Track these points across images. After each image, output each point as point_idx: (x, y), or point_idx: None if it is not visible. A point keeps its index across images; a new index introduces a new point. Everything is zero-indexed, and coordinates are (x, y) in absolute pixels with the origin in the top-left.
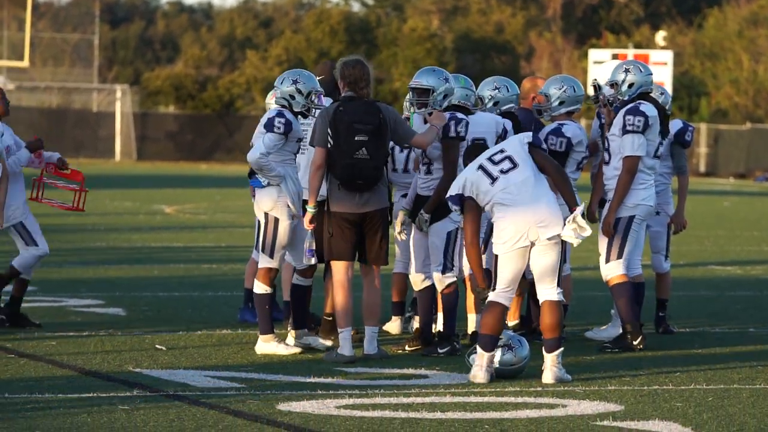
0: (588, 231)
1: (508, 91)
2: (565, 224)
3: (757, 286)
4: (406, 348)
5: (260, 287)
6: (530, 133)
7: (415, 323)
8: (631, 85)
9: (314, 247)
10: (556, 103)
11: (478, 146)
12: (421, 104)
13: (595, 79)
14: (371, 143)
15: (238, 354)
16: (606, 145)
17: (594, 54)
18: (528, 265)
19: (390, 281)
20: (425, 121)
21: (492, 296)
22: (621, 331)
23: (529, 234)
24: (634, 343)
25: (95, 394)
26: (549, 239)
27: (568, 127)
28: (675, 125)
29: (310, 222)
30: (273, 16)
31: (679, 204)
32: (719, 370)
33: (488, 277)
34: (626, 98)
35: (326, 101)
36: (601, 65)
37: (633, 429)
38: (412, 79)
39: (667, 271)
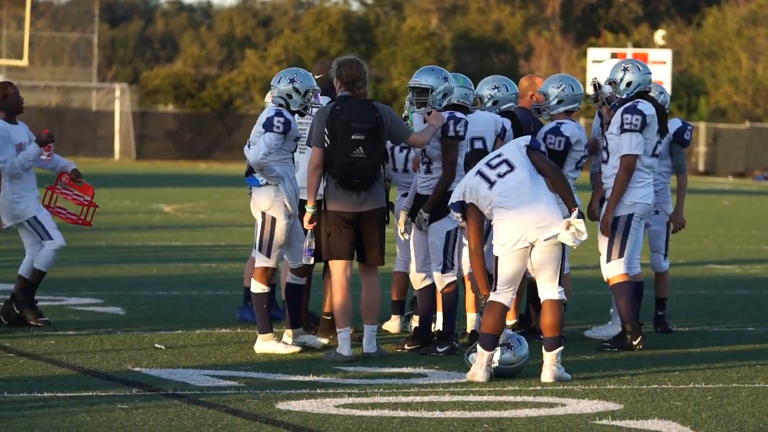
0: (585, 235)
1: (507, 90)
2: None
3: (755, 285)
4: (406, 347)
5: (257, 286)
6: (528, 137)
7: (414, 322)
8: (629, 84)
9: (314, 247)
10: (555, 102)
11: (478, 153)
12: (421, 103)
13: (595, 78)
14: (368, 142)
15: (238, 353)
16: (605, 143)
17: (593, 53)
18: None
19: (390, 280)
20: (425, 121)
21: (492, 296)
22: (620, 330)
23: (528, 235)
24: (634, 343)
25: (94, 393)
26: (548, 239)
27: (566, 126)
28: (674, 124)
29: (310, 222)
30: (272, 15)
31: (678, 203)
32: (718, 369)
33: (490, 282)
34: (624, 97)
35: (324, 100)
36: (601, 64)
37: (632, 428)
38: (411, 79)
39: (666, 270)
